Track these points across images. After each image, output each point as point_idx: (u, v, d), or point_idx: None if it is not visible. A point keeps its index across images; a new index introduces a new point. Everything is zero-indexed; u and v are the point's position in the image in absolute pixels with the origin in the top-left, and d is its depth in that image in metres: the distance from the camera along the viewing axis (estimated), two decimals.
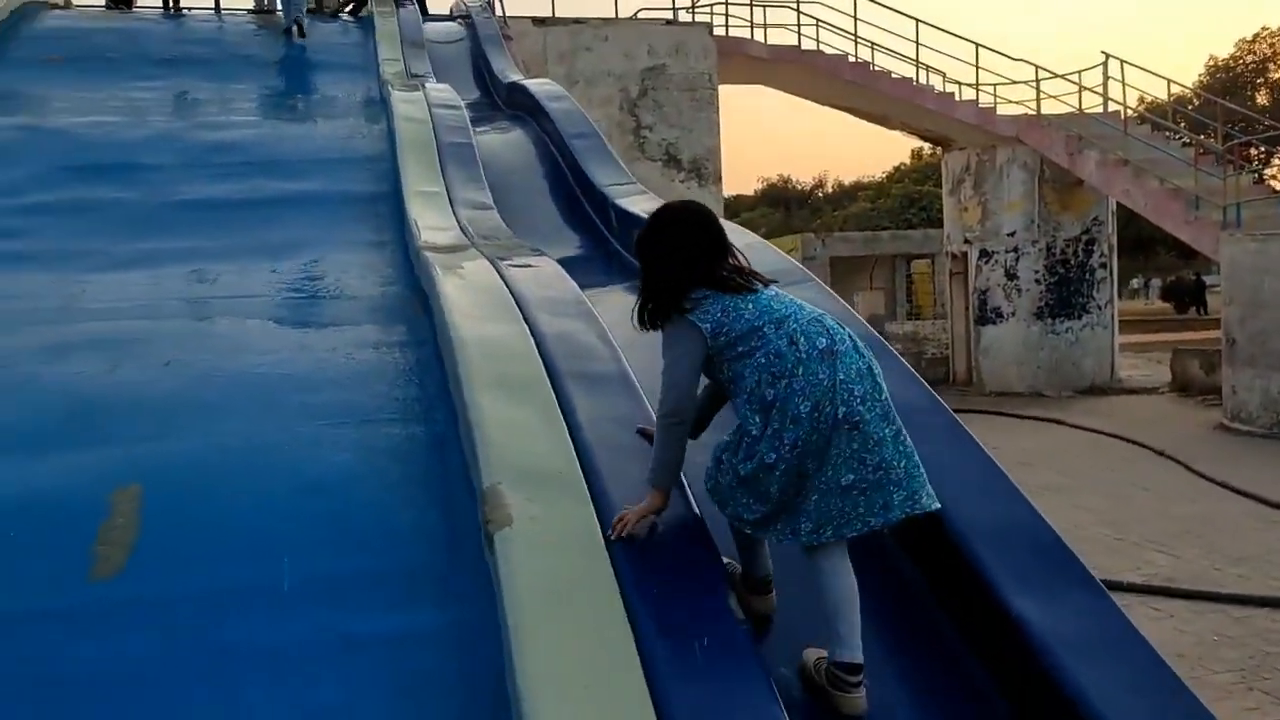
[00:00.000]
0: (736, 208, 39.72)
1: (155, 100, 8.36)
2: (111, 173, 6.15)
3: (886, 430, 2.22)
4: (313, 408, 3.24)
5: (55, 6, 11.04)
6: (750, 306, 2.30)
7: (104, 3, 11.64)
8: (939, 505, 2.28)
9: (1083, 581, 2.44)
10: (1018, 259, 16.90)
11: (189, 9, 11.82)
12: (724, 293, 2.31)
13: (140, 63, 9.18)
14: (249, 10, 11.71)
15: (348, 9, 12.05)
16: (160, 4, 11.71)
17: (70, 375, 3.36)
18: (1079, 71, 15.80)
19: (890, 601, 2.55)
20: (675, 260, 2.33)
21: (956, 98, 16.48)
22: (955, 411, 2.98)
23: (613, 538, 2.26)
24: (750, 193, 47.86)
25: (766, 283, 2.41)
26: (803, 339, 2.22)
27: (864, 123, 18.20)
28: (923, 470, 2.27)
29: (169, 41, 10.13)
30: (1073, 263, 16.86)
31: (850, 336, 2.30)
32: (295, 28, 10.75)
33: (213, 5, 11.87)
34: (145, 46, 9.72)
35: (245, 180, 6.23)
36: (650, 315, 2.37)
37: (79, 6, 11.61)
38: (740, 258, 2.39)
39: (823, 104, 17.58)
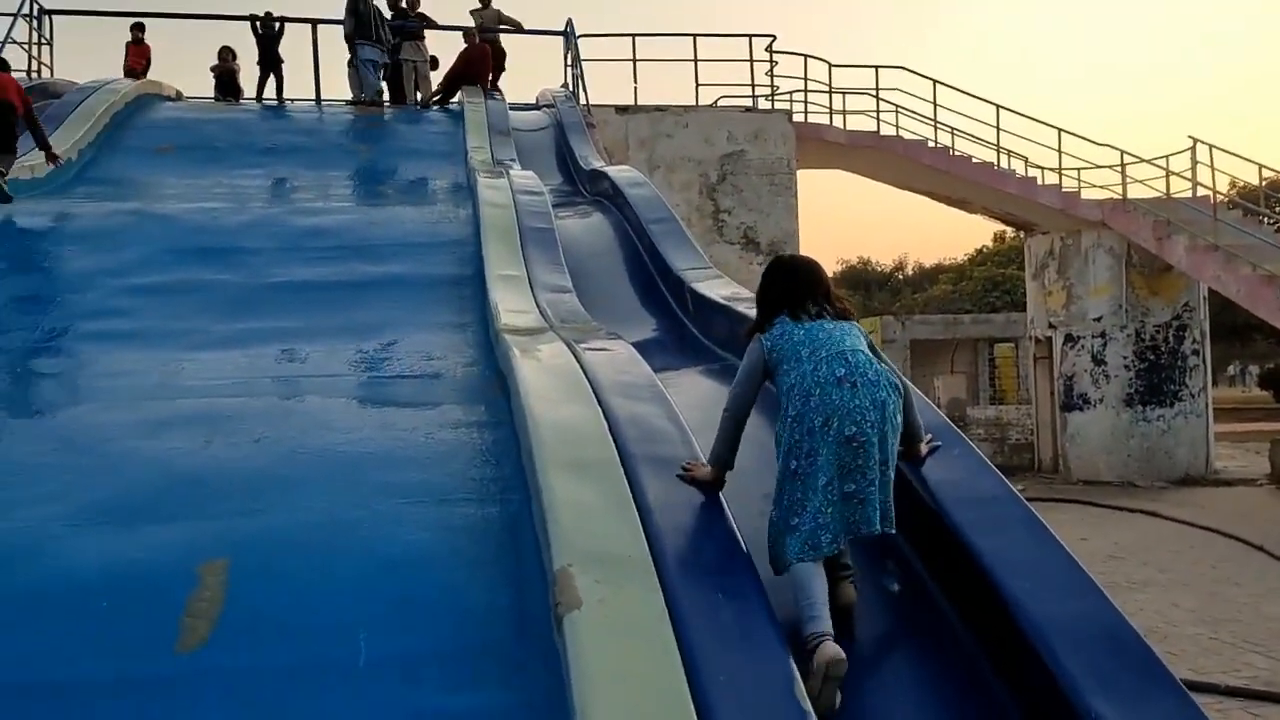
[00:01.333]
0: None
1: (256, 187, 8.82)
2: (213, 256, 6.47)
3: (879, 456, 2.66)
4: (392, 486, 3.33)
5: (168, 98, 11.76)
6: (801, 333, 2.83)
7: (213, 95, 12.36)
8: (893, 531, 2.72)
9: (1168, 685, 2.36)
10: (1105, 344, 16.53)
11: (291, 100, 12.48)
12: (792, 320, 2.87)
13: (244, 151, 9.70)
14: (346, 101, 12.32)
15: (436, 100, 12.58)
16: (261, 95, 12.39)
17: (166, 450, 3.52)
18: (1166, 156, 15.60)
19: (967, 698, 2.50)
20: (767, 295, 3.00)
21: (1039, 182, 16.36)
22: (1041, 500, 2.95)
23: (678, 475, 2.89)
24: (829, 275, 47.80)
25: (844, 316, 2.93)
26: (824, 366, 2.72)
27: (944, 206, 18.17)
28: (890, 504, 2.70)
29: (271, 131, 10.69)
30: (1163, 349, 16.41)
31: (880, 373, 2.74)
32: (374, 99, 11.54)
33: (313, 96, 12.52)
34: (249, 136, 10.27)
35: (337, 263, 6.49)
36: (747, 334, 3.03)
37: (190, 98, 12.34)
38: (833, 300, 2.95)
39: (902, 188, 17.61)
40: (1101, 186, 16.76)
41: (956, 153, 16.00)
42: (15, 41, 11.91)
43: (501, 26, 12.84)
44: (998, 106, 16.13)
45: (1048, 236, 17.41)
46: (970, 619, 2.66)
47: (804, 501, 2.65)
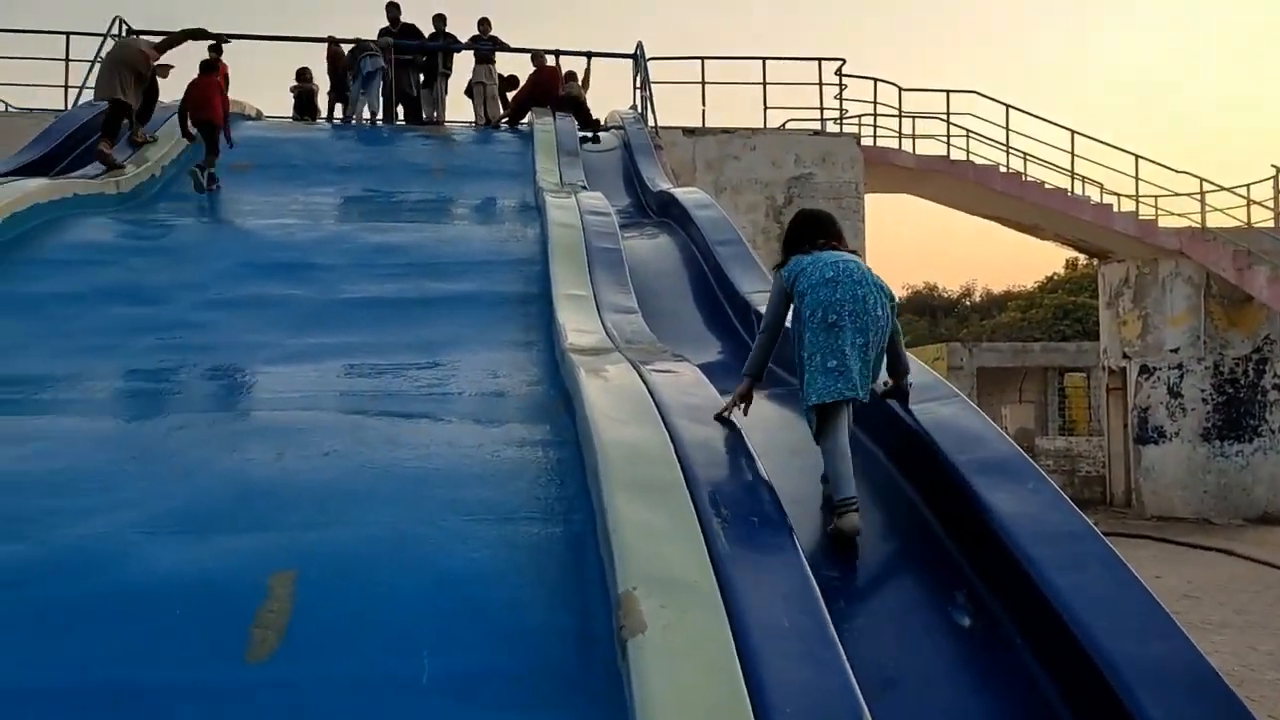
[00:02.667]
0: None
1: (330, 204, 9.00)
2: (287, 271, 6.61)
3: (856, 340, 3.32)
4: (457, 502, 3.34)
5: (249, 117, 12.09)
6: (809, 261, 3.53)
7: (292, 114, 12.68)
8: (865, 399, 3.36)
9: None
10: (1182, 376, 16.06)
11: (367, 120, 12.74)
12: (804, 255, 3.57)
13: (320, 169, 9.92)
14: (422, 121, 12.56)
15: (506, 120, 12.75)
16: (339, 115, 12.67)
17: (240, 461, 3.58)
18: (1247, 185, 15.17)
19: None
20: (788, 239, 3.73)
21: (1115, 209, 16.01)
22: (1113, 535, 2.86)
23: (716, 416, 3.53)
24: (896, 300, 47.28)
25: (846, 250, 3.61)
26: (818, 273, 3.44)
27: (1015, 232, 17.86)
28: (869, 379, 3.37)
29: (346, 149, 10.92)
30: (1243, 382, 15.89)
31: (865, 276, 3.42)
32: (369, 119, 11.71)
33: (383, 116, 12.76)
34: (325, 154, 10.50)
35: (407, 280, 6.59)
36: (773, 270, 3.78)
37: (269, 117, 12.67)
38: (840, 240, 3.65)
39: (971, 214, 17.36)
40: (1180, 215, 16.35)
41: (1029, 178, 15.73)
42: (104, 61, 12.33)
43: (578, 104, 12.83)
44: (1072, 132, 15.85)
45: (1123, 265, 17.01)
46: (1044, 657, 2.58)
47: (810, 371, 3.38)
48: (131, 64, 8.99)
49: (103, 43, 12.29)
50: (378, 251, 7.14)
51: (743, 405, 3.61)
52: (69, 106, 11.71)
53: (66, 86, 12.70)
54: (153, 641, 2.51)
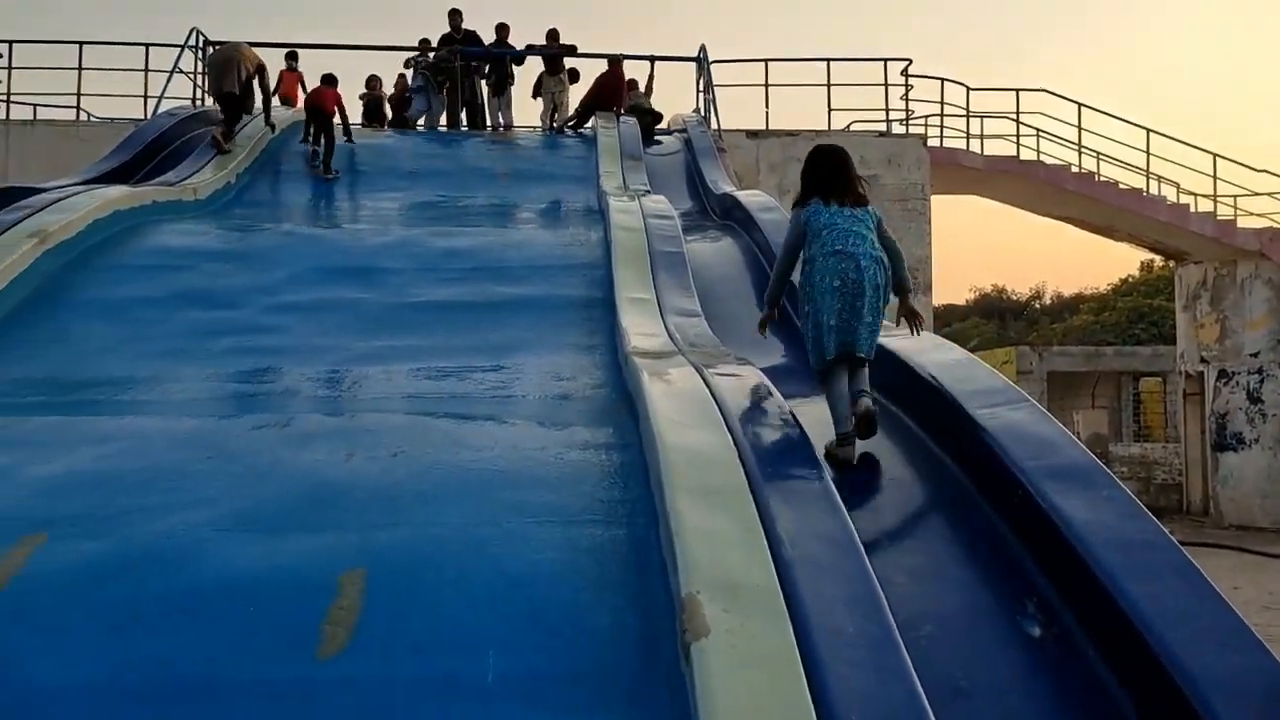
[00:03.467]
0: (947, 318, 38.63)
1: (398, 209, 9.15)
2: (356, 275, 6.74)
3: (857, 304, 3.81)
4: (522, 504, 3.37)
5: None
6: (825, 216, 3.93)
7: (359, 121, 12.92)
8: (863, 354, 3.86)
9: None
10: (1262, 381, 15.56)
11: (436, 126, 12.94)
12: (823, 204, 3.95)
13: (388, 175, 10.10)
14: (483, 127, 12.71)
15: (570, 124, 12.84)
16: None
17: (310, 462, 3.66)
18: None
19: None
20: (807, 178, 4.09)
21: (1191, 209, 15.57)
22: (1191, 545, 2.78)
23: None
24: (962, 302, 46.52)
25: (862, 202, 4.00)
26: (830, 244, 3.87)
27: (1087, 234, 17.47)
28: (871, 338, 3.87)
29: (414, 155, 11.10)
30: None
31: (867, 251, 3.85)
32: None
33: (446, 123, 12.95)
34: (394, 160, 10.69)
35: (472, 284, 6.67)
36: (793, 208, 4.14)
37: (335, 124, 12.92)
38: (858, 184, 4.03)
39: (1042, 215, 17.02)
40: (1259, 214, 15.84)
41: (1102, 178, 15.39)
42: (182, 71, 12.72)
43: (644, 110, 12.87)
44: (1147, 130, 15.46)
45: (1200, 266, 16.54)
46: (1118, 668, 2.52)
47: (817, 329, 3.89)
48: (238, 62, 10.16)
49: (180, 54, 12.67)
50: (444, 256, 7.24)
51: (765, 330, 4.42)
52: (148, 116, 12.08)
53: (145, 96, 13.10)
54: (228, 637, 2.58)
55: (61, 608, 2.67)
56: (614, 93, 12.69)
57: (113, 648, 2.52)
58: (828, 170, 4.00)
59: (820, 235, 3.88)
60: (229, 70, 10.15)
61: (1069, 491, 2.86)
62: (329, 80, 11.07)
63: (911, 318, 4.01)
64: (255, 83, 10.44)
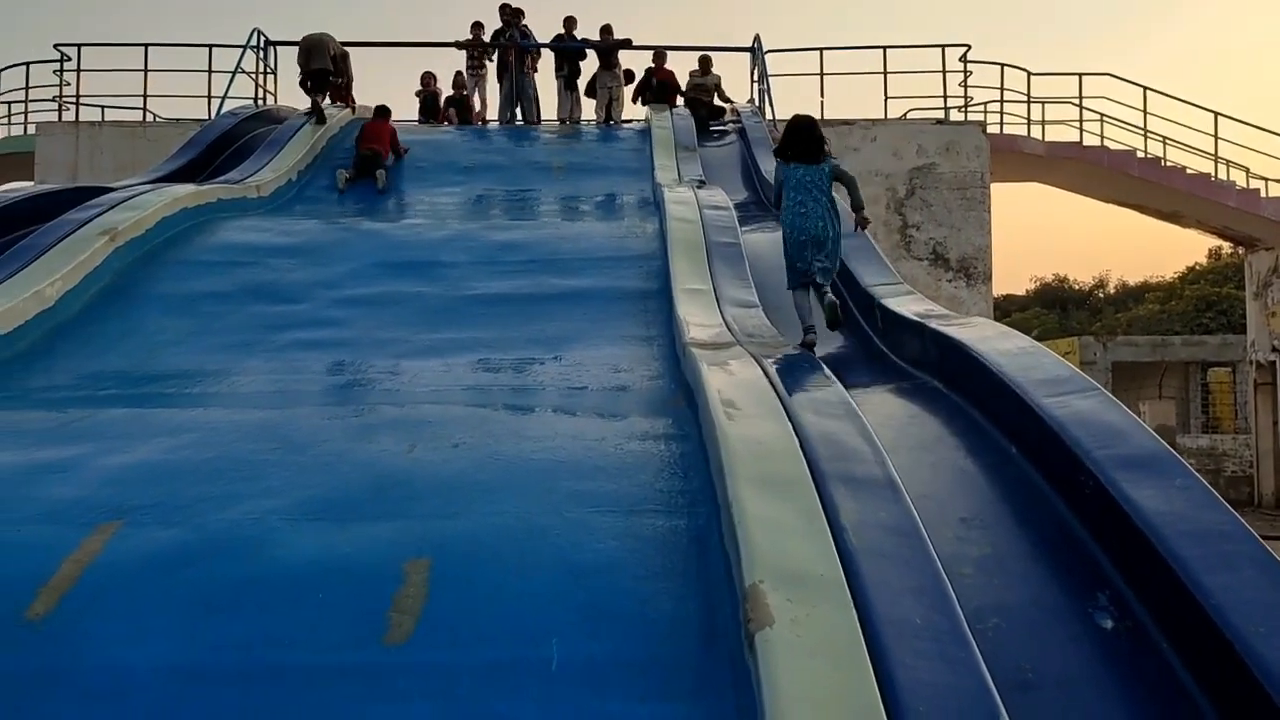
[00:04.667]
0: (1007, 308, 37.95)
1: (455, 203, 9.23)
2: (415, 269, 6.82)
3: (816, 251, 5.17)
4: (583, 494, 3.38)
5: None
6: (798, 172, 5.25)
7: (417, 118, 13.06)
8: (820, 282, 5.20)
9: None
10: None
11: (486, 121, 13.02)
12: (799, 161, 5.27)
13: (445, 170, 10.18)
14: (535, 122, 12.77)
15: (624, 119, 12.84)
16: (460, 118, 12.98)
17: (374, 453, 3.71)
18: None
19: None
20: (783, 142, 5.47)
21: (1262, 194, 15.10)
22: (1263, 539, 2.70)
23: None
24: (1022, 292, 45.67)
25: (819, 161, 5.28)
26: (793, 205, 5.20)
27: (1152, 220, 17.03)
28: (825, 272, 5.20)
29: (470, 150, 11.18)
30: None
31: (820, 208, 5.19)
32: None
33: (498, 117, 13.03)
34: (451, 155, 10.77)
35: (528, 277, 6.71)
36: (776, 157, 5.53)
37: (397, 120, 13.07)
38: (822, 147, 5.34)
39: (1106, 201, 16.63)
40: None
41: (1169, 163, 14.97)
42: (244, 71, 12.94)
43: (717, 97, 12.86)
44: (1215, 114, 15.00)
45: (1271, 252, 16.03)
46: (1193, 662, 2.46)
47: (789, 261, 5.29)
48: (327, 44, 11.30)
49: (242, 54, 12.89)
50: (501, 249, 7.29)
51: None
52: (211, 116, 12.32)
53: (209, 97, 13.36)
54: (299, 623, 2.63)
55: (138, 592, 2.74)
56: (667, 86, 12.70)
57: (189, 631, 2.58)
58: (800, 139, 5.32)
59: (789, 191, 5.26)
60: (319, 51, 11.16)
61: (1142, 481, 2.79)
62: (382, 113, 10.56)
63: (862, 225, 5.64)
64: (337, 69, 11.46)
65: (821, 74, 14.19)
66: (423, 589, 2.76)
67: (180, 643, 2.57)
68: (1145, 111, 14.85)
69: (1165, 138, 15.02)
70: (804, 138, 5.28)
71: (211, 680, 2.44)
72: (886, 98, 14.16)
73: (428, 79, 13.24)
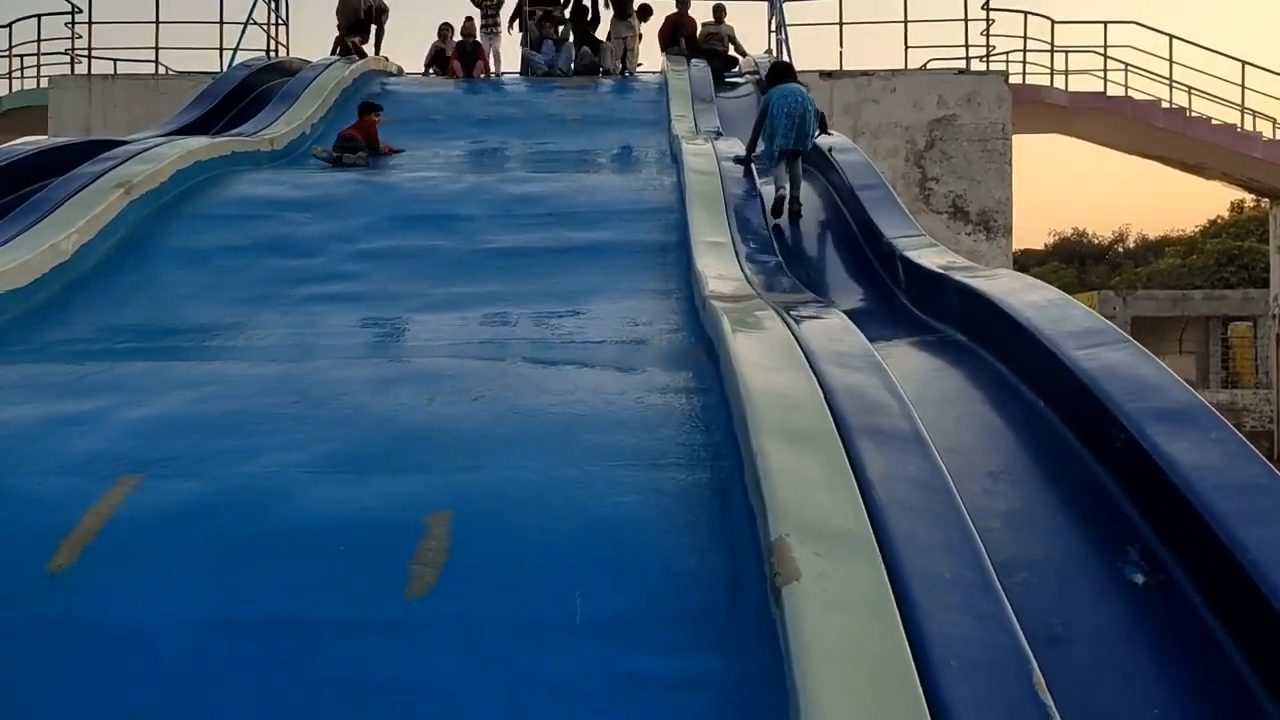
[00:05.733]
0: (1024, 262, 37.61)
1: (470, 156, 9.14)
2: (431, 222, 6.76)
3: (800, 131, 7.06)
4: (603, 448, 3.35)
5: (389, 74, 12.36)
6: (780, 95, 7.17)
7: (424, 70, 12.90)
8: (800, 149, 7.15)
9: None
10: None
11: (500, 73, 12.86)
12: (775, 89, 7.29)
13: (460, 123, 10.08)
14: (553, 72, 12.60)
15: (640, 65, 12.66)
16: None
17: (393, 406, 3.68)
18: None
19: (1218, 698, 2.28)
20: (768, 77, 7.83)
21: None
22: None
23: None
24: (1040, 246, 45.23)
25: (797, 80, 7.52)
26: (784, 105, 7.09)
27: (1173, 173, 16.77)
28: (804, 141, 7.13)
29: (484, 103, 11.06)
30: None
31: (806, 107, 7.13)
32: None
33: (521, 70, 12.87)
34: (464, 108, 10.66)
35: (545, 230, 6.64)
36: (762, 90, 8.36)
37: (410, 74, 12.94)
38: (794, 76, 7.69)
39: (1128, 153, 16.37)
40: None
41: (1194, 114, 14.71)
42: (256, 23, 12.82)
43: (730, 48, 12.66)
44: (1243, 63, 14.72)
45: None
46: (1228, 617, 2.42)
47: (771, 141, 7.04)
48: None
49: (254, 5, 12.76)
50: (517, 202, 7.21)
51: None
52: (223, 68, 12.21)
53: (221, 49, 13.24)
54: (321, 575, 2.61)
55: (160, 545, 2.73)
56: (686, 34, 12.48)
57: (211, 584, 2.57)
58: (782, 73, 7.64)
59: (776, 100, 7.13)
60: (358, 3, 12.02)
61: (1174, 434, 2.74)
62: (366, 109, 9.27)
63: (824, 129, 7.45)
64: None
65: (841, 24, 13.96)
66: (444, 542, 2.75)
67: (203, 595, 2.56)
68: (1171, 61, 14.58)
69: (1191, 87, 14.76)
70: (785, 70, 7.71)
71: (234, 631, 2.44)
72: (907, 47, 13.93)
73: (444, 30, 13.06)
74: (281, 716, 2.28)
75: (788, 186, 6.85)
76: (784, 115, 7.01)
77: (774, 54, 13.01)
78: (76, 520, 2.81)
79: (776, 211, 6.77)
